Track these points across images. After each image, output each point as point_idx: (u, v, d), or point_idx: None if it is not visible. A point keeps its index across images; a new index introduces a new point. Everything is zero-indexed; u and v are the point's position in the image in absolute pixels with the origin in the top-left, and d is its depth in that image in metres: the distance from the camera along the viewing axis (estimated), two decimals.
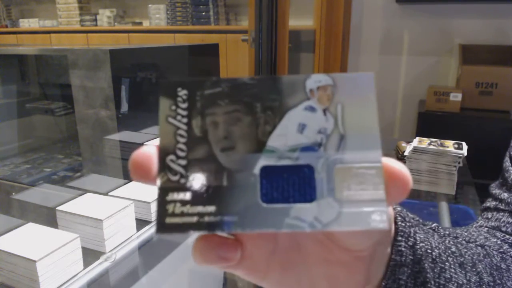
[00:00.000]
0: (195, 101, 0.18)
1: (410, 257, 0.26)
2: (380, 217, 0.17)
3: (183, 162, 0.18)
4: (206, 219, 0.17)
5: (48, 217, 0.72)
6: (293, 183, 0.18)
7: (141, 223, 0.76)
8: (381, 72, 2.47)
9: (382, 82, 2.48)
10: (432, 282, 0.27)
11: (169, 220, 0.17)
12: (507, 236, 0.39)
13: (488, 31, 2.17)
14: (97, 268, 0.64)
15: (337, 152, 0.18)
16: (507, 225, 0.40)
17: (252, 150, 0.18)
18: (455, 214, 0.97)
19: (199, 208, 0.17)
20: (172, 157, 0.18)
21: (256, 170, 0.18)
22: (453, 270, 0.28)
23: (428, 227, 0.31)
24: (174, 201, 0.17)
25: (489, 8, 2.15)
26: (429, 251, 0.27)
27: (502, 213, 0.42)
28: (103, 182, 0.93)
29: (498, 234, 0.39)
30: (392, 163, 0.18)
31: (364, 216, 0.17)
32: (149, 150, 0.18)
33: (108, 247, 0.67)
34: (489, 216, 0.43)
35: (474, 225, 0.43)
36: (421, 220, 0.30)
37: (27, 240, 0.60)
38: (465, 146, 1.04)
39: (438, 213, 0.97)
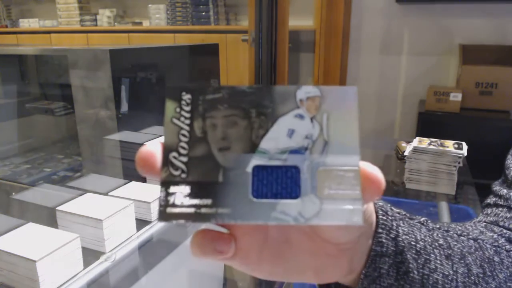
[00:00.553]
0: (197, 104, 0.20)
1: (392, 248, 0.27)
2: (356, 214, 0.19)
3: (184, 159, 0.20)
4: (203, 210, 0.19)
5: (48, 217, 0.71)
6: (281, 181, 0.20)
7: (141, 223, 0.76)
8: (381, 72, 2.47)
9: (382, 82, 2.48)
10: (415, 272, 0.28)
11: (169, 210, 0.19)
12: (504, 231, 0.39)
13: (488, 31, 2.17)
14: (97, 268, 0.64)
15: (320, 156, 0.20)
16: (505, 219, 0.41)
17: (246, 150, 0.20)
18: (455, 214, 0.97)
19: (197, 201, 0.19)
20: (174, 154, 0.20)
21: (249, 169, 0.20)
22: (438, 262, 0.30)
23: (416, 221, 0.32)
24: (175, 194, 0.19)
25: (489, 8, 2.15)
26: (413, 243, 0.29)
27: (500, 208, 0.43)
28: (103, 182, 0.93)
29: (495, 228, 0.40)
30: (368, 167, 0.20)
31: (342, 212, 0.19)
32: (154, 147, 0.20)
33: (108, 247, 0.67)
34: (489, 212, 0.44)
35: (473, 221, 0.44)
36: (408, 215, 0.31)
37: (27, 240, 0.60)
38: (465, 146, 1.04)
39: (438, 213, 0.97)
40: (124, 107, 0.93)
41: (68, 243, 0.60)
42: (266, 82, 1.74)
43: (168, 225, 0.78)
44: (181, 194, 0.19)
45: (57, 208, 0.69)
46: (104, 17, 3.51)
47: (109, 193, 0.78)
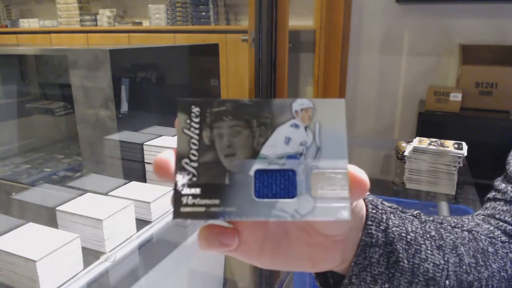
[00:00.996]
0: (205, 116, 0.23)
1: (382, 239, 0.29)
2: (345, 210, 0.22)
3: (195, 164, 0.22)
4: (212, 209, 0.22)
5: (48, 217, 0.71)
6: (280, 183, 0.22)
7: (141, 223, 0.76)
8: (381, 72, 2.47)
9: (382, 82, 2.48)
10: (406, 261, 0.30)
11: (183, 209, 0.22)
12: (501, 223, 0.41)
13: (488, 31, 2.17)
14: (97, 268, 0.64)
15: (314, 160, 0.22)
16: (501, 212, 0.42)
17: (248, 156, 0.23)
18: (455, 214, 0.97)
19: (207, 201, 0.22)
20: (186, 160, 0.22)
21: (251, 172, 0.22)
22: (429, 252, 0.32)
23: (408, 214, 0.33)
24: (187, 195, 0.22)
25: (489, 8, 2.15)
26: (403, 234, 0.31)
27: (498, 202, 0.44)
28: (103, 182, 0.93)
29: (492, 221, 0.41)
30: (354, 170, 0.23)
31: (332, 209, 0.22)
32: (168, 155, 0.23)
33: (108, 247, 0.67)
34: (487, 206, 0.45)
35: (472, 214, 0.45)
36: (400, 208, 0.33)
37: (27, 240, 0.60)
38: (465, 146, 1.04)
39: (437, 213, 0.97)
40: (124, 107, 0.93)
41: (68, 243, 0.60)
42: (266, 82, 1.74)
43: (168, 225, 0.78)
44: (192, 195, 0.22)
45: (57, 208, 0.69)
46: (104, 17, 3.51)
47: (109, 193, 0.78)
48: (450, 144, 1.05)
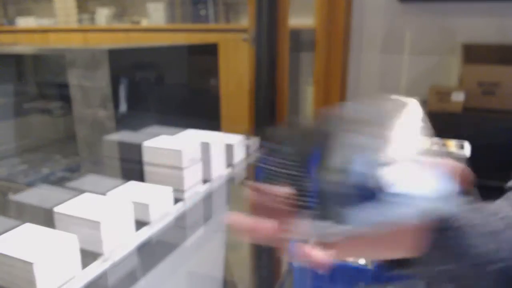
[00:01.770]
0: None
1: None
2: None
3: None
4: None
5: (46, 218, 0.71)
6: None
7: (139, 224, 0.75)
8: (382, 71, 2.46)
9: (383, 81, 2.47)
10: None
11: None
12: None
13: (491, 30, 2.16)
14: (95, 270, 0.63)
15: None
16: None
17: None
18: None
19: None
20: None
21: None
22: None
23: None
24: None
25: (492, 7, 2.14)
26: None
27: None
28: (101, 182, 0.92)
29: None
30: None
31: None
32: None
33: (106, 248, 0.67)
34: (509, 195, 0.44)
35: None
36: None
37: (24, 241, 0.59)
38: (467, 146, 1.03)
39: None
40: (123, 107, 0.92)
41: (66, 244, 0.59)
42: (266, 81, 1.73)
43: (167, 226, 0.77)
44: None
45: (54, 209, 0.68)
46: (102, 15, 3.50)
47: (107, 194, 0.77)
48: (452, 145, 1.04)
